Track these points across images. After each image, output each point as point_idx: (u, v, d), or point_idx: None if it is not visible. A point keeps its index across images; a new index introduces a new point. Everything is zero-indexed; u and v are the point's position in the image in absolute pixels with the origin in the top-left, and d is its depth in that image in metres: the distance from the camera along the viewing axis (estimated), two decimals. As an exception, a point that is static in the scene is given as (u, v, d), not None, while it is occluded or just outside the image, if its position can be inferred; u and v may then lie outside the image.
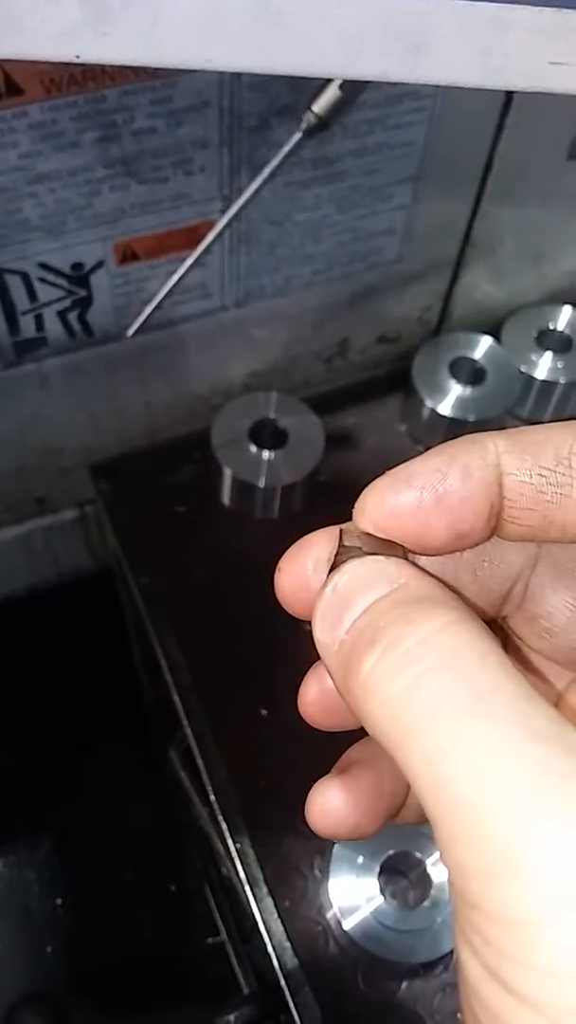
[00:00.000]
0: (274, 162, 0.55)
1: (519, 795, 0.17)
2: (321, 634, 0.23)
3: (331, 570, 0.24)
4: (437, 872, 0.55)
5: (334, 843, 0.56)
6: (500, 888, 0.17)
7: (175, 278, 0.59)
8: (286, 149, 0.55)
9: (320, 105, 0.54)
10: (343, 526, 0.25)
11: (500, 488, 0.23)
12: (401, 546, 0.24)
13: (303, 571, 0.26)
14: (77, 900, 1.20)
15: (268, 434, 0.72)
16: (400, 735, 0.19)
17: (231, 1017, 0.90)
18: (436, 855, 0.56)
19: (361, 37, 0.26)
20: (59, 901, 1.20)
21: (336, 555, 0.24)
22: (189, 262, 0.59)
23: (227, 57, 0.26)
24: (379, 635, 0.21)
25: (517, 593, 0.26)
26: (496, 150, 0.66)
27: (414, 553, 0.24)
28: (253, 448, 0.71)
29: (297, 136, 0.55)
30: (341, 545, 0.25)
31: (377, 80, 0.27)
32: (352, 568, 0.23)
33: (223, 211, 0.58)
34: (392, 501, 0.24)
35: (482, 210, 0.71)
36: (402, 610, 0.21)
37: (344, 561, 0.24)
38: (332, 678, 0.23)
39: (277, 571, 0.27)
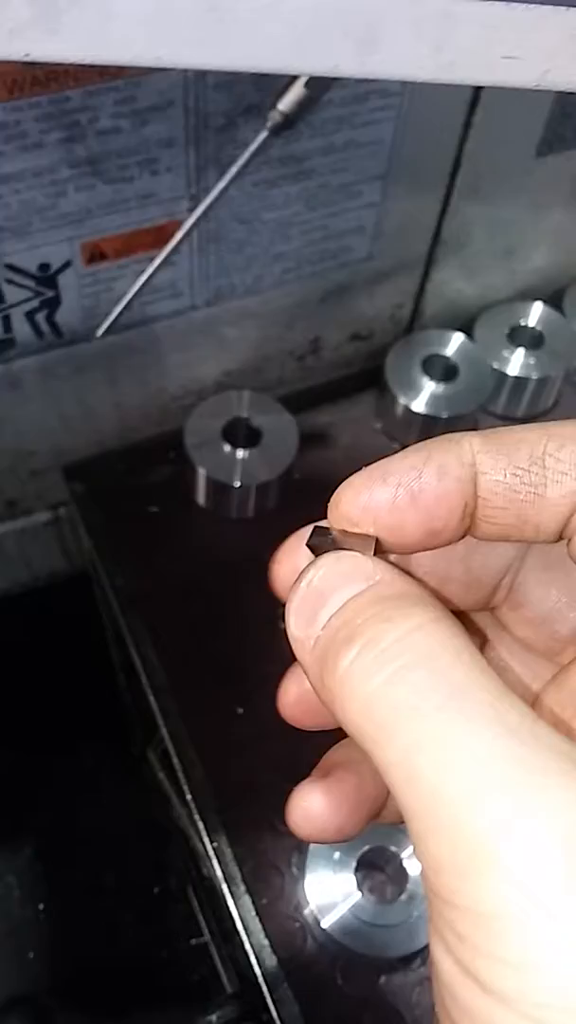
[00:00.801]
0: (241, 160, 0.55)
1: (492, 789, 0.18)
2: (296, 630, 0.23)
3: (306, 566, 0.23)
4: (413, 866, 0.55)
5: (311, 840, 0.56)
6: (472, 882, 0.17)
7: (144, 278, 0.59)
8: (252, 148, 0.55)
9: (286, 103, 0.54)
10: (319, 523, 0.25)
11: (475, 487, 0.23)
12: (376, 541, 0.23)
13: (299, 563, 0.26)
14: (59, 905, 1.20)
15: (242, 433, 0.72)
16: (376, 731, 0.19)
17: (213, 1017, 0.90)
18: (411, 849, 0.56)
19: (311, 32, 0.26)
20: (41, 906, 1.20)
21: (311, 550, 0.24)
22: (157, 262, 0.59)
23: (177, 54, 0.26)
24: (356, 633, 0.21)
25: (506, 584, 0.27)
26: (464, 147, 0.67)
27: (387, 551, 0.24)
28: (227, 447, 0.72)
29: (263, 135, 0.55)
30: (315, 538, 0.24)
31: (328, 75, 0.28)
32: (327, 563, 0.23)
33: (191, 210, 0.58)
34: (366, 496, 0.24)
35: (451, 207, 0.71)
36: (379, 608, 0.21)
37: (319, 556, 0.23)
38: (307, 675, 0.23)
39: (274, 562, 0.28)
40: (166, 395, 0.73)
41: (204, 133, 0.56)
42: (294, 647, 0.23)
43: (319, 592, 0.23)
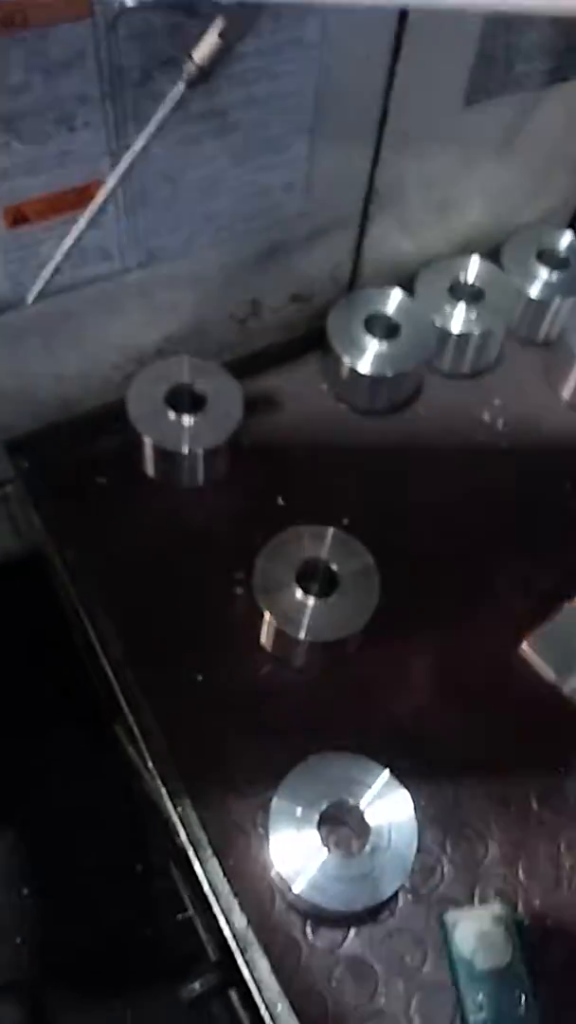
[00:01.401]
0: (159, 115, 0.53)
1: None
2: None
3: None
4: (374, 817, 0.54)
5: (272, 798, 0.55)
6: None
7: (70, 240, 0.57)
8: (169, 101, 0.53)
9: (199, 54, 0.52)
10: None
11: None
12: None
13: None
14: (43, 888, 1.18)
15: (185, 399, 0.70)
16: None
17: (196, 985, 0.89)
18: (372, 800, 0.55)
19: None
20: (25, 891, 1.18)
21: None
22: (83, 223, 0.57)
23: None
24: None
25: None
26: (390, 98, 0.65)
27: None
28: (171, 415, 0.70)
29: (180, 87, 0.53)
30: None
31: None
32: None
33: (113, 168, 0.56)
34: None
35: (382, 161, 0.69)
36: None
37: None
38: None
39: None
40: (106, 364, 0.70)
41: (120, 88, 0.54)
42: None
43: None
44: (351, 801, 0.54)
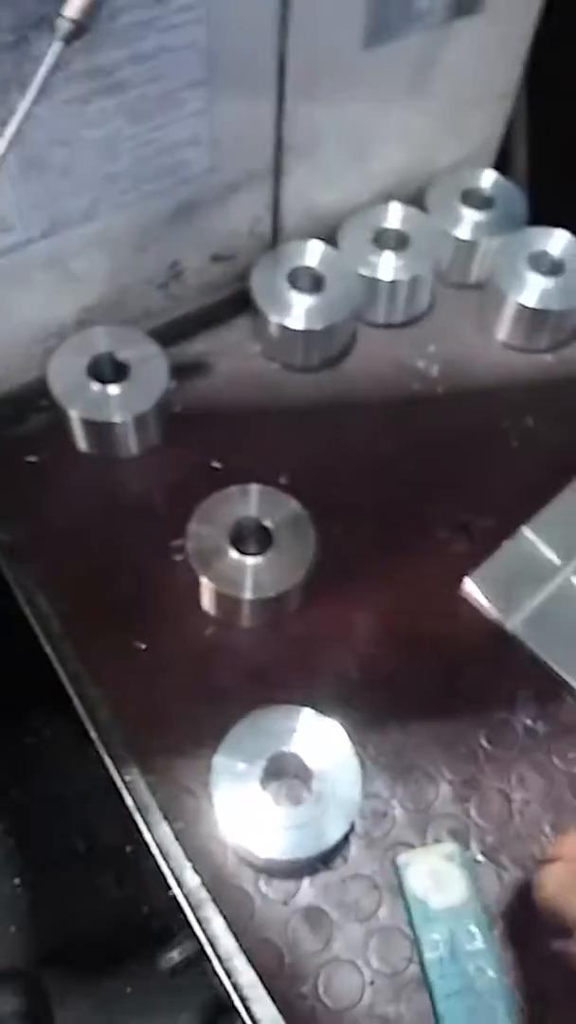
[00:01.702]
0: (38, 76, 0.52)
1: None
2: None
3: None
4: (315, 764, 0.54)
5: (214, 756, 0.54)
6: None
7: (-34, 214, 0.56)
8: (48, 61, 0.52)
9: (70, 9, 0.51)
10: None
11: None
12: None
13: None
14: (35, 877, 1.18)
15: (108, 368, 0.69)
16: None
17: (174, 954, 0.89)
18: (313, 749, 0.54)
19: None
20: (17, 881, 1.18)
21: None
22: (-23, 195, 0.55)
23: None
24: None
25: None
26: (286, 45, 0.63)
27: None
28: (95, 385, 0.68)
29: (57, 45, 0.52)
30: None
31: None
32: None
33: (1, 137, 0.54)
34: None
35: (288, 110, 0.68)
36: None
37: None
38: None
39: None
40: (25, 338, 0.69)
41: (-4, 51, 0.52)
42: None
43: None
44: (292, 751, 0.54)
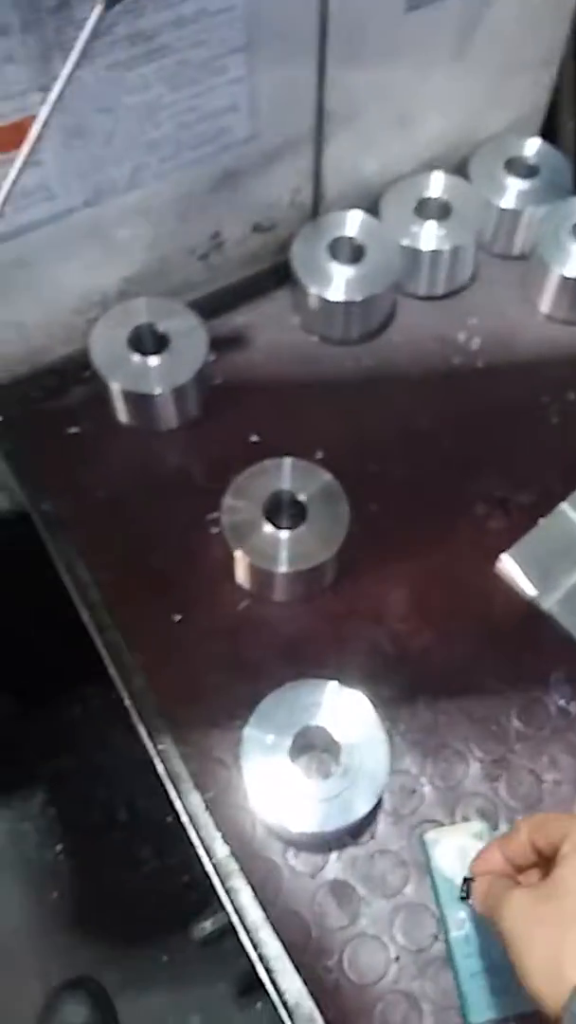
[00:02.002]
0: (81, 40, 0.50)
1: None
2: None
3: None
4: (344, 738, 0.53)
5: (244, 728, 0.54)
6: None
7: (8, 182, 0.54)
8: (90, 24, 0.50)
9: (113, -30, 0.49)
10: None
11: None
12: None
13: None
14: (77, 845, 1.19)
15: (148, 340, 0.68)
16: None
17: (207, 923, 0.90)
18: (342, 722, 0.54)
19: None
20: (59, 848, 1.19)
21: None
22: (19, 162, 0.54)
23: None
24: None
25: None
26: (327, 10, 0.61)
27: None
28: (135, 357, 0.67)
29: (98, 8, 0.50)
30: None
31: None
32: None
33: (44, 103, 0.53)
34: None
35: (329, 76, 0.65)
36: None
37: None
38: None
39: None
40: (67, 309, 0.68)
41: (38, 16, 0.51)
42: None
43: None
44: (321, 725, 0.53)
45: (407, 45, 0.67)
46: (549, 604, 0.62)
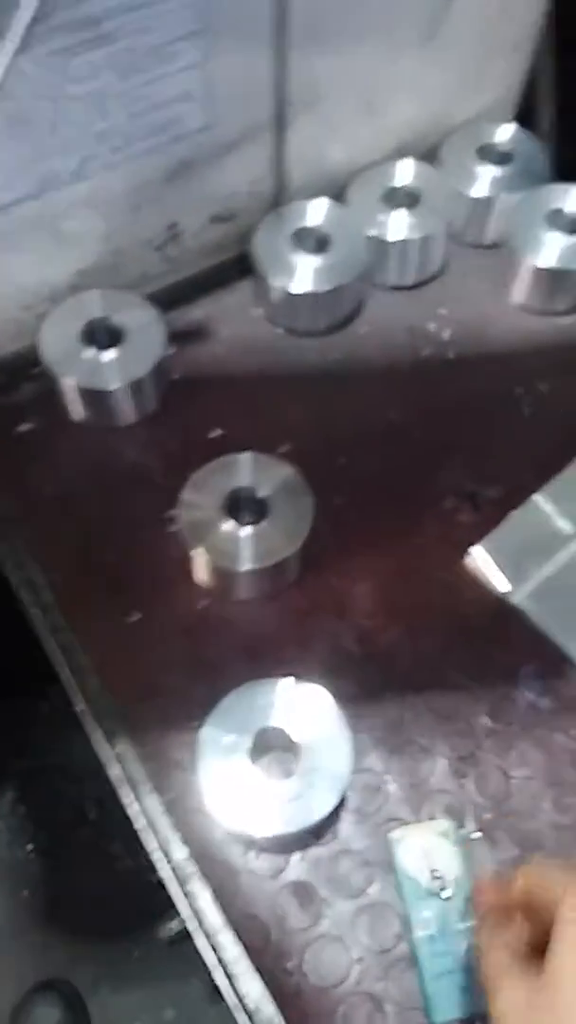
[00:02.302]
0: (17, 27, 0.52)
1: None
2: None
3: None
4: (304, 738, 0.54)
5: (200, 729, 0.55)
6: None
7: (-50, 174, 0.56)
8: (26, 9, 0.52)
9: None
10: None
11: None
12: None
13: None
14: (47, 843, 1.21)
15: (102, 334, 0.70)
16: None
17: (173, 924, 0.91)
18: (302, 722, 0.55)
19: None
20: (30, 847, 1.21)
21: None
22: (-40, 153, 0.55)
23: None
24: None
25: None
26: (285, -9, 0.63)
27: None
28: (89, 352, 0.69)
29: (37, -7, 0.52)
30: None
31: None
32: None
33: (-17, 91, 0.54)
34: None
35: (291, 61, 0.67)
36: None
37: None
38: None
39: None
40: (16, 305, 0.70)
41: (-24, 2, 0.52)
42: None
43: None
44: (281, 725, 0.54)
45: (373, 27, 0.69)
46: (519, 598, 0.63)
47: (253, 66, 0.66)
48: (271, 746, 0.55)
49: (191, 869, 0.54)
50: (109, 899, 1.16)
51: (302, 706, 0.55)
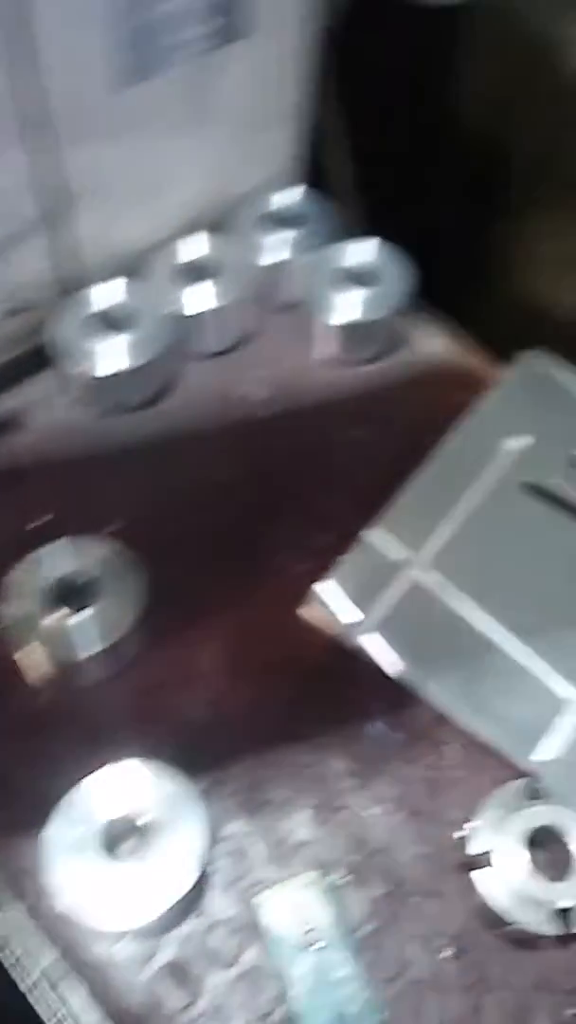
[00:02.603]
0: None
1: None
2: None
3: None
4: (155, 817, 0.55)
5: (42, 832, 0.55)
6: None
7: None
8: None
9: None
10: None
11: None
12: None
13: None
14: None
15: None
16: None
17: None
18: (153, 803, 0.56)
19: None
20: None
21: None
22: None
23: None
24: None
25: None
26: (21, 94, 0.66)
27: None
28: None
29: None
30: None
31: None
32: None
33: None
34: None
35: (49, 157, 0.71)
36: None
37: None
38: None
39: None
40: None
41: None
42: None
43: None
44: (128, 812, 0.55)
45: (132, 119, 0.74)
46: (360, 637, 0.67)
47: (9, 168, 0.70)
48: (121, 834, 0.56)
49: (63, 970, 0.54)
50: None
51: (150, 788, 0.57)
